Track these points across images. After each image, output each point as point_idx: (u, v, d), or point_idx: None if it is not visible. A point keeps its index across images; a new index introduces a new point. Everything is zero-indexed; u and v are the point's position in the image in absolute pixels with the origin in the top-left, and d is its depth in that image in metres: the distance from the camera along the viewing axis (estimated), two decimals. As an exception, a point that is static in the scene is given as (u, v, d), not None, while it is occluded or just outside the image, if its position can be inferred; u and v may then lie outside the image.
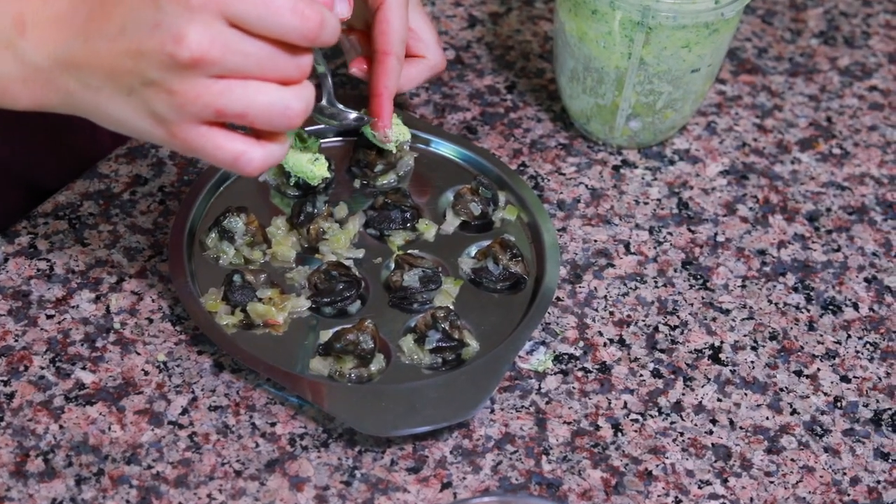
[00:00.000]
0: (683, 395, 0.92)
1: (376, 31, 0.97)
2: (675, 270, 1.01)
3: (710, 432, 0.90)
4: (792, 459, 0.89)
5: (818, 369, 0.95)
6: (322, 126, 1.03)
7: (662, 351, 0.95)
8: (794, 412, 0.92)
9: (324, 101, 0.93)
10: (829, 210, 1.07)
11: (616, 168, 1.09)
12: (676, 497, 0.86)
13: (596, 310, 0.97)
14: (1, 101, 0.79)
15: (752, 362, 0.95)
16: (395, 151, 1.02)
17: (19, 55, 0.77)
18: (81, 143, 1.08)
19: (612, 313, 0.97)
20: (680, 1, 0.99)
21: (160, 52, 0.72)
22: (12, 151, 1.06)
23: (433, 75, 1.03)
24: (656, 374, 0.93)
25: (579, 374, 0.93)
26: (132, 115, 0.76)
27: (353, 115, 0.96)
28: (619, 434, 0.89)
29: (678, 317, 0.97)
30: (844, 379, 0.94)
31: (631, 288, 0.99)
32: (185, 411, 0.88)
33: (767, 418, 0.91)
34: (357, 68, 1.00)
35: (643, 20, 0.99)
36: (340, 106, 0.95)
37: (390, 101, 0.98)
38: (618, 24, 1.00)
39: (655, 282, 1.00)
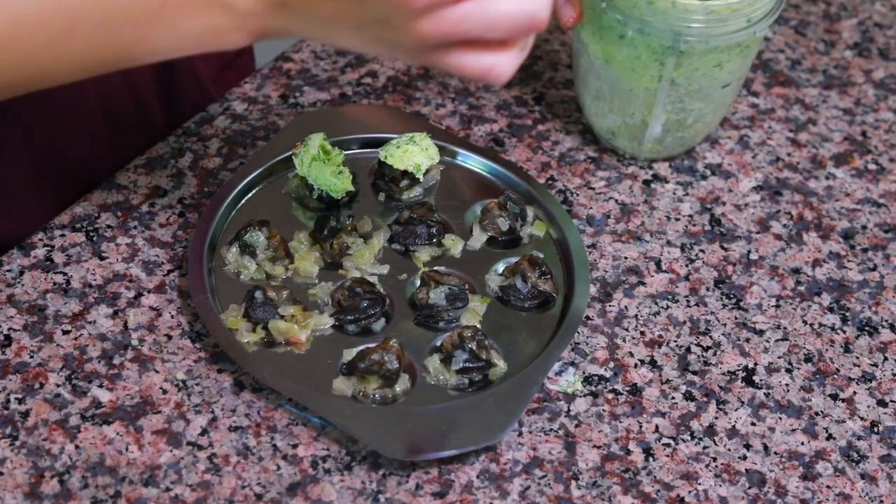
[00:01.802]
0: (716, 418, 0.90)
1: None
2: (708, 289, 0.98)
3: (744, 458, 0.87)
4: (828, 486, 0.86)
5: (854, 393, 0.92)
6: (344, 137, 1.01)
7: (695, 373, 0.92)
8: (829, 437, 0.89)
9: None
10: (864, 227, 1.05)
11: (647, 182, 1.06)
12: (710, 526, 0.84)
13: (626, 329, 0.95)
14: (219, 48, 0.77)
15: (787, 385, 0.92)
16: (421, 179, 1.00)
17: (227, 5, 0.74)
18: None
19: (643, 333, 0.94)
20: (711, 23, 0.95)
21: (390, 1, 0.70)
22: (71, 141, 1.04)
23: None
24: (688, 396, 0.91)
25: (609, 396, 0.90)
26: (364, 44, 0.74)
27: None
28: (651, 459, 0.87)
29: (711, 337, 0.95)
30: (881, 403, 0.92)
31: (662, 307, 0.96)
32: (204, 432, 0.85)
33: (802, 443, 0.89)
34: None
35: (674, 45, 0.96)
36: None
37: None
38: (647, 49, 0.97)
39: (687, 301, 0.97)
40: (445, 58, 0.73)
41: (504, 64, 0.74)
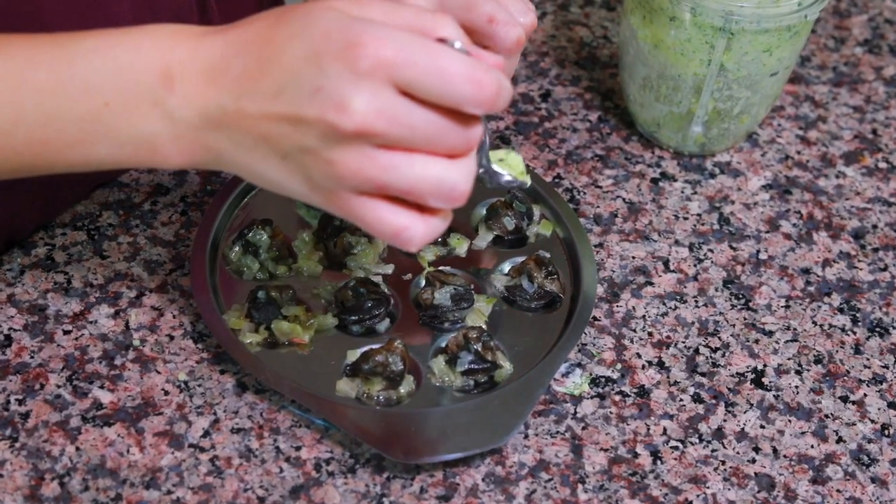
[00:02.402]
0: (725, 421, 0.88)
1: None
2: (717, 289, 0.97)
3: (753, 461, 0.86)
4: (838, 490, 0.85)
5: (865, 395, 0.91)
6: None
7: (703, 374, 0.91)
8: (839, 440, 0.88)
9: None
10: (875, 227, 1.03)
11: (655, 181, 1.05)
12: (719, 530, 0.82)
13: (634, 330, 0.93)
14: (152, 162, 0.74)
15: (797, 387, 0.91)
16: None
17: (168, 112, 0.71)
18: None
19: (650, 334, 0.93)
20: (763, 4, 0.96)
21: (321, 120, 0.67)
22: None
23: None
24: (697, 398, 0.90)
25: (617, 398, 0.89)
26: (286, 179, 0.71)
27: (505, 176, 0.82)
28: (659, 462, 0.85)
29: (719, 338, 0.94)
30: (892, 405, 0.91)
31: (670, 308, 0.95)
32: (206, 434, 0.84)
33: (812, 446, 0.88)
34: None
35: (725, 26, 0.96)
36: (496, 167, 0.81)
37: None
38: (698, 31, 0.97)
39: (696, 301, 0.96)
40: (361, 207, 0.70)
41: (418, 229, 0.71)
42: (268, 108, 0.69)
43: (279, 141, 0.69)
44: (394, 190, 0.69)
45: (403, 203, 0.71)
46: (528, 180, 0.82)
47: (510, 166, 0.83)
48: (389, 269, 0.94)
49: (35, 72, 0.72)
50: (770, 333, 0.94)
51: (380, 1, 0.70)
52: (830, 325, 0.96)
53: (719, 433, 0.88)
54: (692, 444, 0.87)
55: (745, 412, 0.89)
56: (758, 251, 1.00)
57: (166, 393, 0.86)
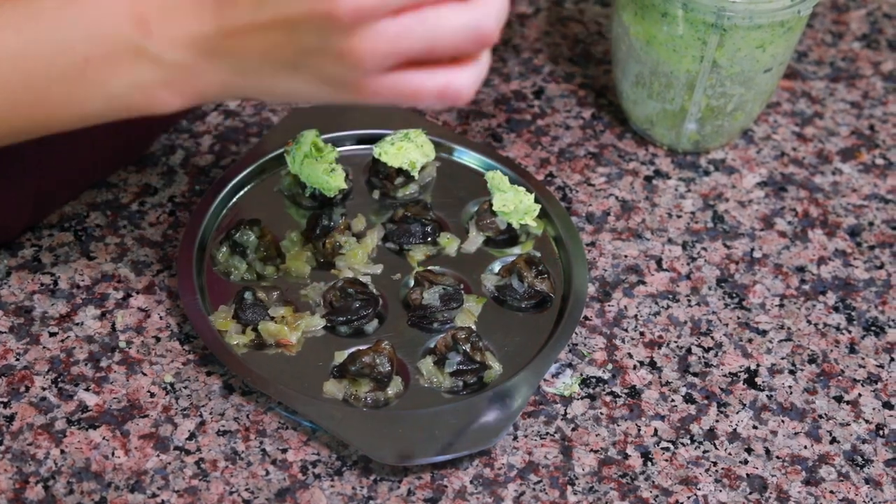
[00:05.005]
0: (717, 421, 0.87)
1: None
2: (710, 288, 0.96)
3: (745, 462, 0.85)
4: (831, 491, 0.84)
5: (859, 395, 0.90)
6: (339, 134, 0.99)
7: (695, 374, 0.90)
8: (833, 441, 0.87)
9: None
10: (871, 224, 1.02)
11: (648, 179, 1.04)
12: (709, 533, 0.82)
13: (625, 330, 0.92)
14: (152, 109, 0.72)
15: (790, 387, 0.90)
16: (416, 177, 0.98)
17: (153, 57, 0.69)
18: None
19: (642, 334, 0.92)
20: (755, 0, 0.95)
21: (312, 13, 0.64)
22: None
23: None
24: (689, 399, 0.89)
25: (607, 398, 0.88)
26: (306, 88, 0.68)
27: None
28: (649, 463, 0.85)
29: (712, 338, 0.93)
30: (887, 405, 0.90)
31: (663, 307, 0.94)
32: (192, 436, 0.84)
33: (806, 447, 0.87)
34: None
35: (717, 21, 0.95)
36: None
37: None
38: (690, 27, 0.96)
39: (688, 300, 0.95)
40: (394, 84, 0.67)
41: (461, 80, 0.68)
42: (254, 19, 0.66)
43: (281, 51, 0.67)
44: (416, 53, 0.66)
45: (435, 63, 0.67)
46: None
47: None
48: (378, 269, 0.93)
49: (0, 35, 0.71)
50: (764, 333, 0.93)
51: None
52: (825, 324, 0.95)
53: (711, 434, 0.87)
54: (683, 445, 0.86)
55: (737, 413, 0.88)
56: (752, 249, 0.99)
57: (152, 395, 0.86)
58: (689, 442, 0.86)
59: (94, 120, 0.74)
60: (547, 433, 0.86)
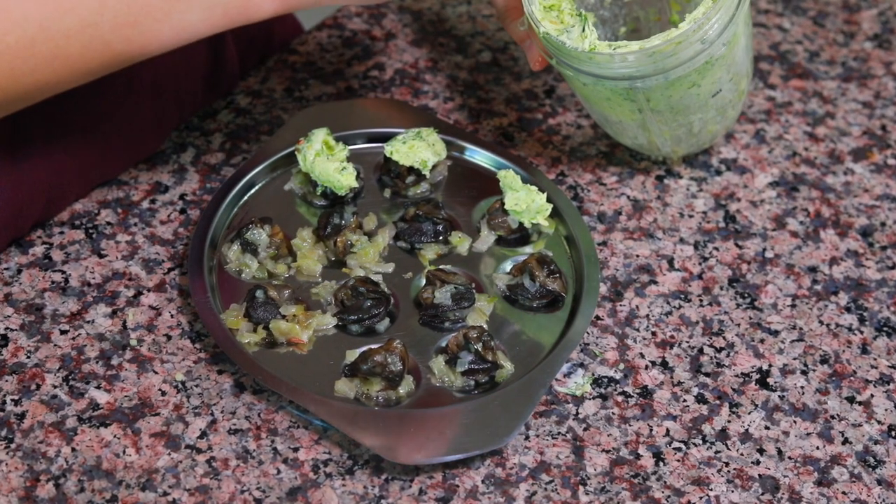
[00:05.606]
0: (729, 422, 0.87)
1: None
2: (722, 288, 0.96)
3: (757, 462, 0.85)
4: (843, 492, 0.84)
5: (871, 395, 0.90)
6: (350, 132, 0.99)
7: (707, 374, 0.90)
8: (845, 441, 0.87)
9: None
10: (883, 225, 1.02)
11: (660, 178, 1.04)
12: (721, 533, 0.81)
13: (637, 330, 0.92)
14: (246, 17, 0.74)
15: (802, 387, 0.90)
16: (427, 175, 0.98)
17: None
18: None
19: (654, 334, 0.92)
20: (659, 61, 0.89)
21: None
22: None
23: None
24: (700, 399, 0.88)
25: (619, 398, 0.88)
26: None
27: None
28: (661, 463, 0.84)
29: (724, 338, 0.92)
30: (900, 406, 0.90)
31: (674, 307, 0.94)
32: (203, 434, 0.83)
33: (818, 448, 0.86)
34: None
35: (632, 86, 0.91)
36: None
37: None
38: (612, 93, 0.93)
39: (700, 300, 0.95)
40: None
41: None
42: None
43: None
44: None
45: None
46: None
47: None
48: (390, 267, 0.93)
49: None
50: (776, 333, 0.93)
51: None
52: (837, 325, 0.94)
53: (723, 434, 0.86)
54: (695, 445, 0.86)
55: (749, 413, 0.88)
56: (764, 249, 0.99)
57: (163, 393, 0.86)
58: (700, 442, 0.86)
59: (191, 35, 0.75)
60: (559, 433, 0.86)
